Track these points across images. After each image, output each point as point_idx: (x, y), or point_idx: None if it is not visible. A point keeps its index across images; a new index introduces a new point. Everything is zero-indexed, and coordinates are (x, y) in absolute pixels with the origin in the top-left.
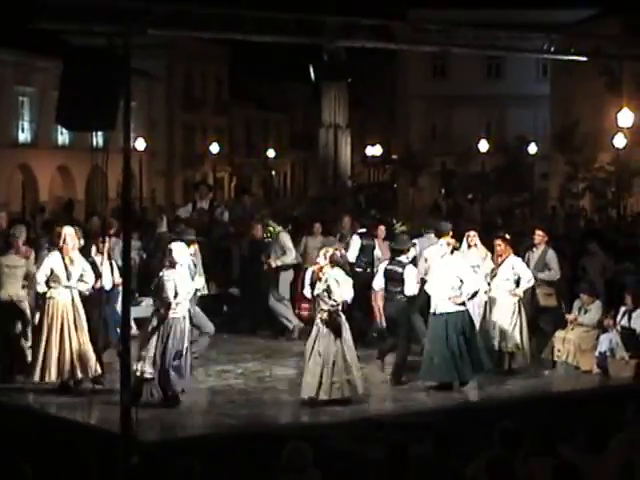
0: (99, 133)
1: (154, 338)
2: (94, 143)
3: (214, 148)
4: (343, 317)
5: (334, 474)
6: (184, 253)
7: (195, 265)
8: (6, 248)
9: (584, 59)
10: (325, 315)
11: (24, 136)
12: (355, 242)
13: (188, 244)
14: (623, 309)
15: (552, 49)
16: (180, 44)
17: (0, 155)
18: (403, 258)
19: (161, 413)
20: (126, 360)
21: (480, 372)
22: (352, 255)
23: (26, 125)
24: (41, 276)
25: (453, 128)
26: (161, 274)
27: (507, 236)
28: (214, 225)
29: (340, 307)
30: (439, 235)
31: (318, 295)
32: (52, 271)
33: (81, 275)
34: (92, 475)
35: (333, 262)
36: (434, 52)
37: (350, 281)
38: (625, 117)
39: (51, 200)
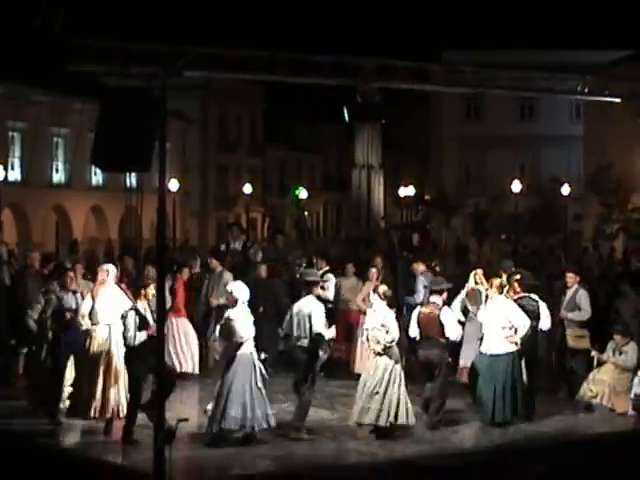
0: (133, 174)
1: (229, 376)
2: (127, 184)
3: (247, 189)
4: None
5: None
6: (244, 291)
7: None
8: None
9: (618, 100)
10: (380, 349)
11: (58, 177)
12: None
13: None
14: None
15: (586, 90)
16: (215, 85)
17: (35, 195)
18: (438, 299)
19: (194, 454)
20: (160, 400)
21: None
22: (330, 294)
23: (60, 166)
24: (85, 312)
25: (486, 169)
26: (227, 315)
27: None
28: (248, 266)
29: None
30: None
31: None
32: (93, 308)
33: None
34: None
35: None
36: (468, 93)
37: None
38: None
39: (84, 240)
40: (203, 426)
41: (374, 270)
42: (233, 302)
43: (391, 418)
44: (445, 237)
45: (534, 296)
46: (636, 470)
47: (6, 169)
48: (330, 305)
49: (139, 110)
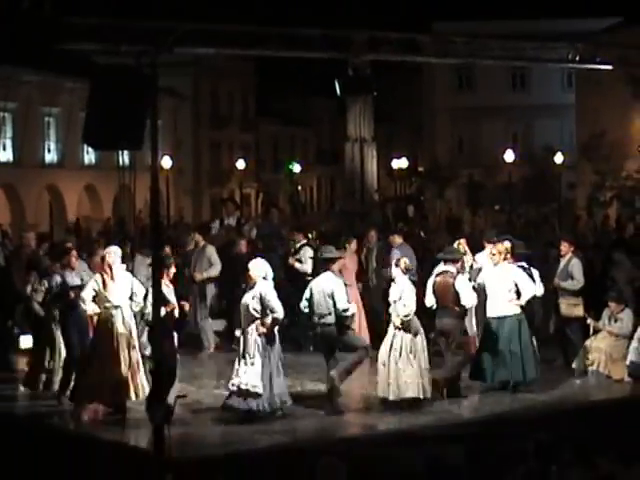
0: (125, 152)
1: (258, 352)
2: (120, 162)
3: (240, 165)
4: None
5: None
6: (264, 267)
7: None
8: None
9: (609, 68)
10: (398, 322)
11: (51, 156)
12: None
13: None
14: None
15: (577, 58)
16: (206, 61)
17: (28, 176)
18: (452, 268)
19: (193, 431)
20: (158, 378)
21: (525, 379)
22: (308, 267)
23: (52, 145)
24: (88, 296)
25: (479, 140)
26: (258, 292)
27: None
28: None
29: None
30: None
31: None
32: (97, 291)
33: (132, 294)
34: None
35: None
36: (460, 64)
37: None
38: None
39: (79, 220)
40: (201, 402)
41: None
42: (252, 280)
43: (414, 391)
44: (439, 208)
45: (524, 264)
46: (633, 435)
47: None
48: (308, 278)
49: (130, 88)
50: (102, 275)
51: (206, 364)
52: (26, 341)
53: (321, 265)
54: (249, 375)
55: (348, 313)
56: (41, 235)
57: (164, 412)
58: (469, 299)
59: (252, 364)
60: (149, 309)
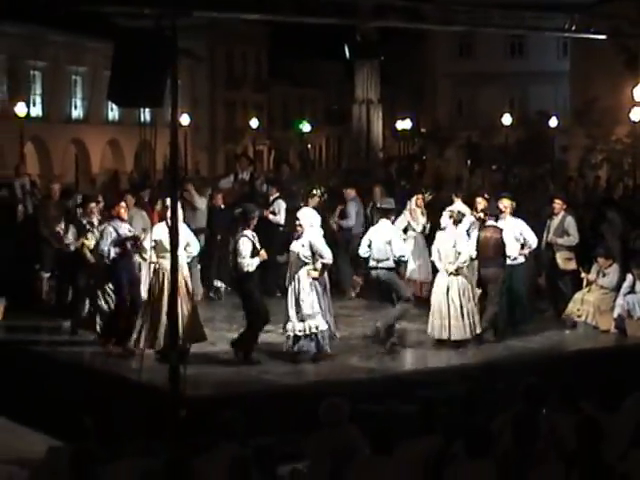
0: (146, 109)
1: (315, 295)
2: (142, 119)
3: (254, 123)
4: None
5: (368, 429)
6: (313, 216)
7: None
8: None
9: (603, 37)
10: (452, 269)
11: (77, 112)
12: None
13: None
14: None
15: (573, 28)
16: (222, 26)
17: (55, 130)
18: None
19: (207, 370)
20: (174, 320)
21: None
22: (281, 219)
23: (79, 102)
24: (148, 244)
25: (478, 104)
26: (307, 240)
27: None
28: (255, 195)
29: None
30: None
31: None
32: (158, 241)
33: (187, 244)
34: (144, 427)
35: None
36: (461, 32)
37: None
38: None
39: (102, 172)
40: (214, 344)
41: (349, 191)
42: (302, 229)
43: (468, 332)
44: (440, 167)
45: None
46: (616, 383)
47: (28, 106)
48: (282, 229)
49: (151, 49)
50: (163, 224)
51: (217, 309)
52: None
53: (380, 214)
54: (311, 317)
55: (404, 259)
56: (66, 188)
57: (179, 353)
58: (513, 250)
59: (308, 306)
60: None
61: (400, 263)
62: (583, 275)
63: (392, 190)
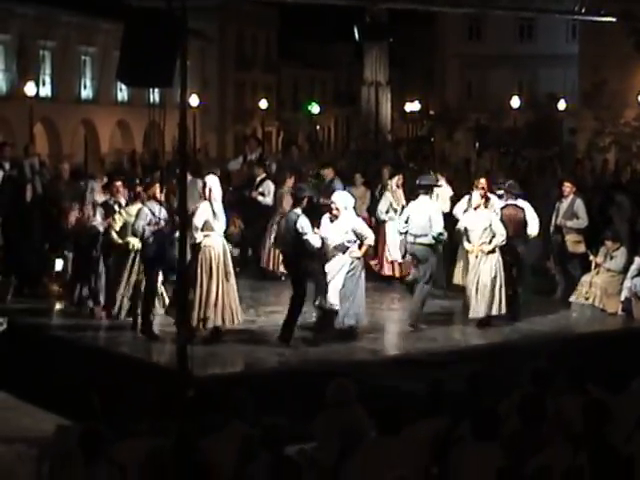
0: (155, 90)
1: (341, 273)
2: (151, 99)
3: (263, 104)
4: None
5: (375, 409)
6: (347, 198)
7: None
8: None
9: (613, 20)
10: (489, 248)
11: (86, 93)
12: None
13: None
14: None
15: (583, 10)
16: (232, 7)
17: (65, 110)
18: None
19: (215, 350)
20: (182, 300)
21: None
22: (269, 200)
23: (88, 82)
24: (199, 224)
25: (487, 86)
26: (350, 224)
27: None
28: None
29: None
30: None
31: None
32: (205, 220)
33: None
34: (152, 406)
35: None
36: (470, 14)
37: None
38: None
39: (111, 152)
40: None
41: (358, 175)
42: (338, 212)
43: (503, 308)
44: (448, 149)
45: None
46: (622, 366)
47: (38, 85)
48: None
49: (161, 30)
50: (207, 204)
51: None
52: (60, 265)
53: (420, 190)
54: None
55: (442, 237)
56: (76, 168)
57: (187, 332)
58: (534, 229)
59: (336, 283)
60: (311, 235)
61: (438, 240)
62: (592, 258)
63: (401, 171)
